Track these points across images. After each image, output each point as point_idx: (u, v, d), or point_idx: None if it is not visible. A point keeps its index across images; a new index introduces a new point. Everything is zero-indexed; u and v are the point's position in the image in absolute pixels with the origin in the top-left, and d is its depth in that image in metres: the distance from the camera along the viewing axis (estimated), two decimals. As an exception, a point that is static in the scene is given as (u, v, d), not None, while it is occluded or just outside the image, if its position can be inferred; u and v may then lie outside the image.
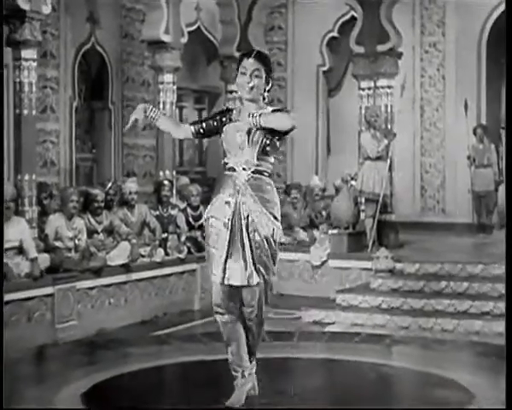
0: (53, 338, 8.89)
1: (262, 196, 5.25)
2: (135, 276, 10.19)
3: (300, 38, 15.15)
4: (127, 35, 13.14)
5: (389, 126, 12.08)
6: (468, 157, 13.50)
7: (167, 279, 10.68)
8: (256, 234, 5.22)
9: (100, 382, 6.26)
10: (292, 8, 15.27)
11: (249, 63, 5.23)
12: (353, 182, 11.90)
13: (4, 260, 8.62)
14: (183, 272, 10.81)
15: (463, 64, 14.49)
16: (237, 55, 13.61)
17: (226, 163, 5.34)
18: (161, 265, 10.60)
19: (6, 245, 8.72)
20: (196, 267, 10.96)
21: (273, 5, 14.90)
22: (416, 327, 9.25)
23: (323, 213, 12.46)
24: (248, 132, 5.21)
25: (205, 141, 15.39)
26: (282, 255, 11.46)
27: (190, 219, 11.39)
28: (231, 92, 13.78)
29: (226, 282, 5.22)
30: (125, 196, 10.65)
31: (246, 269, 5.21)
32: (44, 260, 9.14)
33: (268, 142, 5.24)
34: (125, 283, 10.06)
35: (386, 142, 11.51)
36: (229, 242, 5.23)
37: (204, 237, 5.56)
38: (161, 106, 12.13)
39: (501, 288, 9.22)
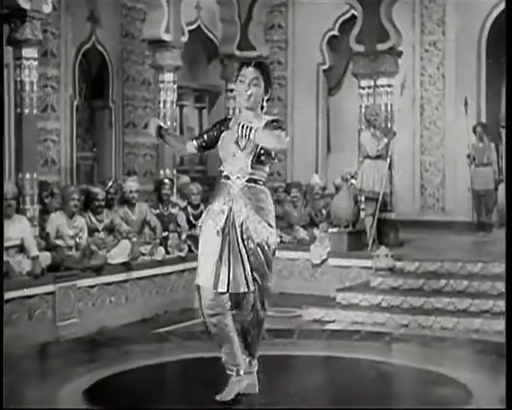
0: (54, 336, 8.92)
1: (256, 204, 5.27)
2: (135, 274, 10.22)
3: (301, 36, 15.16)
4: (128, 34, 13.15)
5: (389, 125, 12.10)
6: (468, 156, 13.52)
7: (168, 278, 10.71)
8: (250, 241, 5.24)
9: (101, 379, 6.30)
10: (292, 6, 15.29)
11: (248, 72, 5.25)
12: (353, 180, 11.93)
13: (6, 259, 8.66)
14: (183, 271, 10.82)
15: (463, 63, 14.51)
16: (238, 53, 13.69)
17: (222, 171, 5.37)
18: (162, 263, 10.63)
19: (7, 243, 8.76)
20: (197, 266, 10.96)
21: (273, 4, 14.94)
22: (415, 325, 9.28)
23: (323, 211, 12.48)
24: (240, 141, 5.20)
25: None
26: (282, 254, 11.73)
27: (191, 218, 11.41)
28: (231, 91, 13.78)
29: (219, 289, 5.23)
30: (126, 195, 10.68)
31: (239, 276, 5.21)
32: (45, 258, 9.17)
33: (262, 151, 5.25)
34: (125, 281, 10.09)
35: (385, 140, 11.53)
36: (221, 249, 5.24)
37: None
38: (162, 105, 12.16)
39: (500, 286, 9.24)
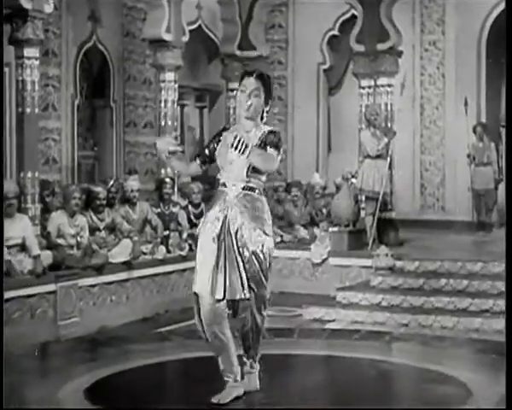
0: (55, 335, 8.95)
1: (252, 212, 5.29)
2: (136, 273, 10.25)
3: (301, 36, 15.18)
4: (128, 33, 13.17)
5: (389, 125, 12.13)
6: (468, 155, 13.54)
7: (169, 277, 10.74)
8: (245, 249, 5.25)
9: (102, 378, 6.32)
10: (292, 6, 15.31)
11: (250, 82, 5.29)
12: (353, 180, 11.95)
13: (7, 257, 8.69)
14: (184, 270, 10.83)
15: (463, 62, 14.52)
16: (238, 53, 13.72)
17: (219, 179, 5.41)
18: (163, 262, 10.65)
19: (9, 242, 8.79)
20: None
21: (274, 3, 14.96)
22: (415, 324, 9.29)
23: (324, 210, 12.51)
24: (238, 148, 5.19)
25: (206, 138, 15.44)
26: (282, 253, 11.75)
27: (192, 217, 11.44)
28: (232, 90, 13.84)
29: (216, 296, 5.24)
30: (127, 194, 10.70)
31: (235, 283, 5.23)
32: (47, 257, 9.19)
33: None
34: (126, 280, 10.12)
35: (386, 140, 11.54)
36: (217, 256, 5.26)
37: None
38: (162, 104, 12.20)
39: (500, 286, 9.27)
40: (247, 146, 5.03)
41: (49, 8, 9.59)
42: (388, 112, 12.24)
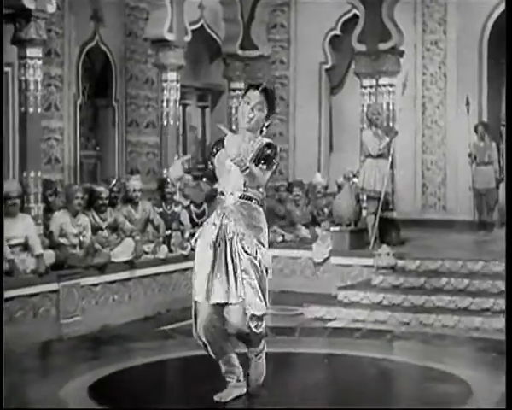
0: (58, 334, 8.98)
1: (248, 220, 5.33)
2: (138, 272, 10.28)
3: (303, 35, 15.20)
4: (131, 33, 13.20)
5: (391, 124, 12.15)
6: (470, 155, 13.56)
7: (171, 276, 10.77)
8: (241, 254, 5.28)
9: (105, 376, 6.36)
10: (294, 6, 15.33)
11: (254, 95, 5.33)
12: (355, 179, 11.98)
13: (10, 257, 8.73)
14: (186, 269, 10.84)
15: (465, 62, 14.54)
16: (240, 52, 13.76)
17: (217, 189, 5.45)
18: (165, 261, 10.68)
19: (12, 241, 8.83)
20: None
21: (276, 3, 15.00)
22: (416, 323, 9.32)
23: (325, 210, 12.53)
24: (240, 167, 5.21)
25: (208, 138, 15.47)
26: (284, 252, 11.78)
27: (194, 216, 11.48)
28: (234, 90, 13.89)
29: (211, 301, 5.28)
30: (129, 194, 10.74)
31: (230, 287, 5.25)
32: (49, 256, 9.22)
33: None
34: (128, 279, 10.15)
35: (387, 140, 11.57)
36: (213, 261, 5.30)
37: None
38: (165, 104, 12.24)
39: (501, 285, 9.30)
40: (247, 168, 5.08)
41: (51, 8, 9.63)
42: (390, 111, 12.26)
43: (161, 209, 11.19)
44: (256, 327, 5.36)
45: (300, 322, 9.53)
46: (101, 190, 10.18)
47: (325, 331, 8.61)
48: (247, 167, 5.09)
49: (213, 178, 5.51)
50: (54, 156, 11.90)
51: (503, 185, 13.02)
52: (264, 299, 5.35)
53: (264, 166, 5.29)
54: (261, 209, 5.44)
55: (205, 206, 11.35)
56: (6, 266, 8.66)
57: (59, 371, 6.74)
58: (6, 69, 10.74)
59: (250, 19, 13.94)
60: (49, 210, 9.96)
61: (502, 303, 8.89)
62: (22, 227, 8.96)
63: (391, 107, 12.30)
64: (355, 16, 13.44)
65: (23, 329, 8.55)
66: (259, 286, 5.30)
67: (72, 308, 9.28)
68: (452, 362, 6.89)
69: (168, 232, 11.09)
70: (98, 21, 12.66)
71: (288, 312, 10.09)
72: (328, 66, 15.29)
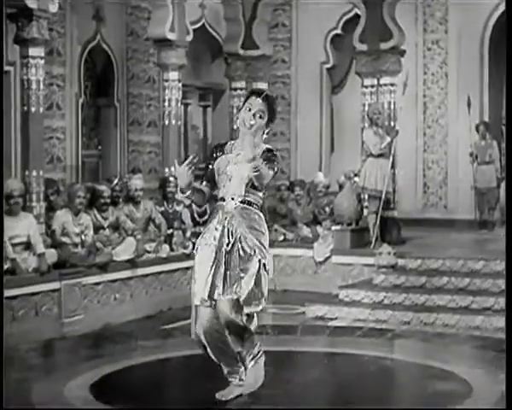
0: (59, 332, 9.02)
1: (249, 223, 5.37)
2: (140, 271, 10.32)
3: (304, 35, 15.21)
4: (132, 33, 13.22)
5: (392, 123, 12.16)
6: (471, 154, 13.59)
7: (172, 275, 10.79)
8: (241, 254, 5.31)
9: (107, 374, 6.39)
10: (296, 5, 15.34)
11: (256, 102, 5.37)
12: (356, 178, 12.01)
13: (12, 255, 8.76)
14: (187, 268, 10.87)
15: (466, 61, 14.54)
16: (241, 52, 13.77)
17: (217, 195, 5.48)
18: (166, 260, 10.71)
19: (14, 240, 8.86)
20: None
21: (277, 2, 15.01)
22: (417, 322, 9.33)
23: (327, 209, 12.54)
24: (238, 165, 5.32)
25: (209, 137, 15.50)
26: (285, 251, 11.79)
27: (195, 215, 11.51)
28: (235, 89, 13.91)
29: (214, 297, 5.31)
30: (131, 193, 10.76)
31: (227, 284, 5.30)
32: (51, 255, 9.26)
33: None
34: (130, 278, 10.18)
35: (388, 139, 11.59)
36: (216, 265, 5.33)
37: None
38: (166, 103, 12.25)
39: (502, 284, 9.30)
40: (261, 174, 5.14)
41: (53, 8, 9.67)
42: (391, 111, 12.26)
43: (163, 208, 11.21)
44: (248, 321, 5.38)
45: (302, 321, 9.55)
46: (103, 189, 10.21)
47: (326, 330, 8.63)
48: (261, 173, 5.14)
49: (213, 183, 5.54)
50: (56, 155, 11.93)
51: (503, 184, 13.03)
52: (262, 296, 5.36)
53: (268, 167, 5.32)
54: (261, 214, 5.48)
55: (206, 205, 11.37)
56: (8, 264, 8.70)
57: (61, 370, 6.79)
58: (8, 68, 10.76)
59: (251, 18, 13.96)
60: (51, 209, 9.99)
61: (503, 302, 8.91)
62: (24, 226, 8.99)
63: (392, 106, 12.29)
64: (356, 16, 13.44)
65: (25, 327, 8.59)
66: (256, 284, 5.32)
67: (73, 307, 9.31)
68: (453, 361, 6.91)
69: (170, 231, 11.12)
70: (100, 21, 12.68)
71: (289, 311, 10.11)
72: (329, 65, 15.30)
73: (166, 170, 12.03)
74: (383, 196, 11.45)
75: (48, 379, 6.41)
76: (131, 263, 10.17)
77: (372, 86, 12.37)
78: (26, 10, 9.37)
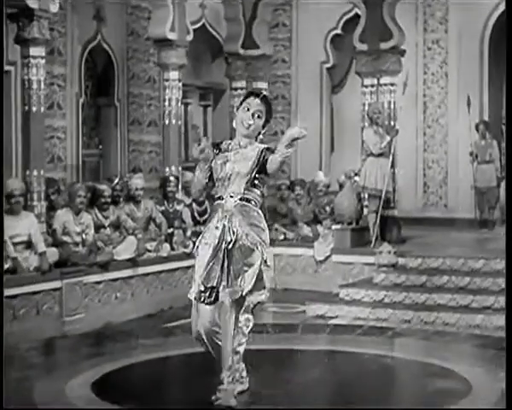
0: (61, 331, 9.04)
1: (249, 220, 5.40)
2: (141, 270, 10.33)
3: (304, 35, 15.23)
4: (133, 32, 13.24)
5: (392, 123, 12.17)
6: (471, 153, 13.60)
7: (173, 274, 10.81)
8: (243, 250, 5.34)
9: (109, 372, 6.42)
10: (296, 5, 15.35)
11: (255, 102, 5.42)
12: (356, 178, 12.02)
13: (14, 254, 8.78)
14: (188, 267, 10.90)
15: (466, 61, 14.55)
16: (242, 52, 13.79)
17: (215, 194, 5.51)
18: (167, 259, 10.73)
19: (15, 239, 8.88)
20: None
21: (277, 2, 15.02)
22: (418, 321, 9.35)
23: (327, 208, 12.55)
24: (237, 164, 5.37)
25: (209, 136, 15.51)
26: (286, 250, 11.80)
27: (196, 215, 11.52)
28: (236, 89, 13.92)
29: (209, 285, 5.36)
30: (132, 192, 10.78)
31: (226, 279, 5.33)
32: (53, 254, 9.27)
33: (257, 175, 5.41)
34: (131, 277, 10.20)
35: (388, 138, 11.61)
36: (214, 260, 5.37)
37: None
38: (167, 103, 12.27)
39: (502, 282, 9.32)
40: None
41: (54, 8, 9.68)
42: (391, 110, 12.26)
43: (163, 207, 11.23)
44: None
45: (302, 320, 9.57)
46: (104, 188, 10.23)
47: (327, 329, 8.65)
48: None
49: (209, 177, 5.55)
50: (57, 155, 11.95)
51: (503, 184, 13.04)
52: (265, 288, 5.41)
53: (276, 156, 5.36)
54: (260, 211, 5.51)
55: (207, 204, 11.39)
56: (9, 263, 8.72)
57: (62, 368, 6.81)
58: (9, 68, 10.78)
59: (252, 18, 13.97)
60: (52, 208, 10.01)
61: (502, 301, 8.92)
62: (25, 225, 9.01)
63: (392, 106, 12.30)
64: (356, 16, 13.45)
65: (26, 326, 8.61)
66: (258, 278, 5.36)
67: (75, 306, 9.33)
68: (453, 359, 6.93)
69: (170, 230, 11.14)
70: (100, 21, 12.69)
71: (289, 309, 10.13)
72: (329, 65, 15.32)
73: (167, 169, 12.05)
74: (383, 196, 11.47)
75: (49, 378, 6.43)
76: (132, 262, 10.19)
77: (372, 86, 12.38)
78: (27, 10, 9.39)
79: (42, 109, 9.79)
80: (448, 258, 10.37)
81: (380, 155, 11.62)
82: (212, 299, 5.36)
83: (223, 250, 5.36)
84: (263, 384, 5.73)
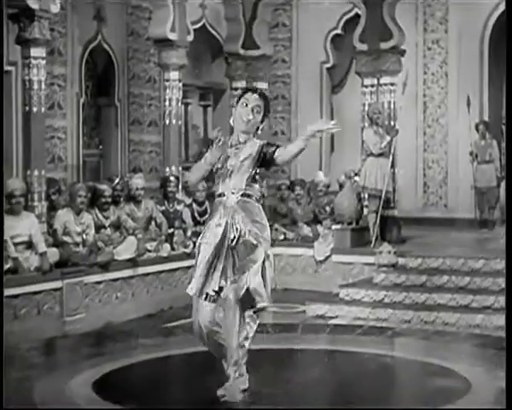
0: (61, 331, 9.05)
1: (251, 216, 5.43)
2: (141, 270, 10.34)
3: (304, 35, 15.23)
4: (133, 33, 13.24)
5: (392, 123, 12.18)
6: (471, 153, 13.62)
7: (173, 274, 10.81)
8: (247, 244, 5.36)
9: (109, 371, 6.43)
10: (296, 5, 15.36)
11: (253, 98, 5.44)
12: (356, 178, 12.03)
13: (14, 254, 8.79)
14: (188, 267, 10.89)
15: (466, 61, 14.56)
16: (242, 52, 13.80)
17: (216, 190, 5.53)
18: (167, 259, 10.74)
19: (16, 239, 8.89)
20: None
21: (278, 2, 15.03)
22: (418, 321, 9.36)
23: (327, 208, 12.56)
24: (238, 159, 5.39)
25: (210, 136, 15.51)
26: (286, 250, 11.79)
27: (196, 215, 11.53)
28: (236, 89, 13.92)
29: (211, 289, 5.39)
30: (132, 192, 10.79)
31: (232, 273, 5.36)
32: (53, 254, 9.28)
33: (258, 170, 5.42)
34: (131, 277, 10.20)
35: (388, 138, 11.62)
36: (216, 258, 5.41)
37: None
38: (167, 103, 12.28)
39: (502, 282, 9.32)
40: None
41: (55, 8, 9.69)
42: (391, 110, 12.27)
43: (164, 207, 11.24)
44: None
45: (302, 319, 9.58)
46: (105, 188, 10.24)
47: (327, 328, 8.66)
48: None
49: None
50: (57, 155, 11.96)
51: (503, 183, 13.05)
52: (267, 292, 5.43)
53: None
54: (260, 207, 5.52)
55: (207, 204, 11.40)
56: (10, 263, 8.73)
57: (63, 368, 6.82)
58: (10, 68, 10.79)
59: (252, 18, 13.99)
60: (52, 208, 10.02)
61: (502, 301, 8.93)
62: (26, 225, 9.02)
63: (392, 105, 12.31)
64: (356, 15, 13.46)
65: (27, 326, 8.62)
66: (263, 276, 5.39)
67: (75, 306, 9.34)
68: (453, 358, 6.95)
69: (170, 230, 11.15)
70: (101, 21, 12.70)
71: (289, 309, 10.14)
72: (329, 65, 15.33)
73: (167, 169, 12.07)
74: (383, 196, 11.48)
75: (50, 377, 6.45)
76: (132, 262, 10.20)
77: (372, 86, 12.39)
78: (28, 11, 9.40)
79: (42, 109, 9.81)
80: (448, 258, 10.38)
81: (380, 155, 11.64)
82: (215, 296, 5.38)
83: (226, 247, 5.37)
84: (263, 384, 5.74)
